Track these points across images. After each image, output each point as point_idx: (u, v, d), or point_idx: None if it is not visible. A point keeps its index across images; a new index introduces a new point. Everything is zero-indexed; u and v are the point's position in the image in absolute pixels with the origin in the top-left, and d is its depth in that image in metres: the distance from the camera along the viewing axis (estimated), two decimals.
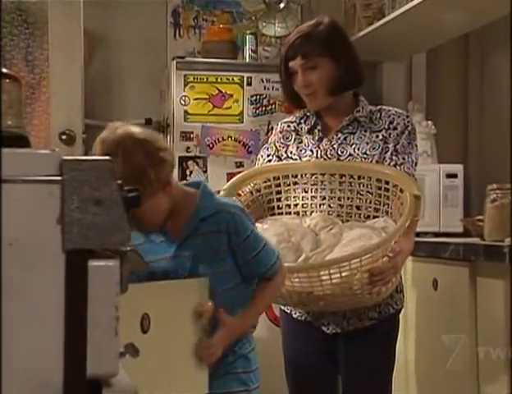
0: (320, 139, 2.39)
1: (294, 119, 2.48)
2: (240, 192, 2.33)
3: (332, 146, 2.36)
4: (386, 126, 2.36)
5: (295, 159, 2.40)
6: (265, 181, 2.36)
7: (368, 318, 2.31)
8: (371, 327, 2.32)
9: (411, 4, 3.42)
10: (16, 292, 0.89)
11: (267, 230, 2.21)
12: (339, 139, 2.37)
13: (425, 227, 3.55)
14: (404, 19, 3.56)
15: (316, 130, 2.40)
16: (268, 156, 2.47)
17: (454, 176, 3.75)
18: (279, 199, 2.36)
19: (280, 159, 2.43)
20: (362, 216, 2.26)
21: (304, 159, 2.38)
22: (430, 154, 3.88)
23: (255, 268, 1.98)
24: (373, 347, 2.34)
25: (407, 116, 2.40)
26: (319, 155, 2.36)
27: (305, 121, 2.44)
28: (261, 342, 3.84)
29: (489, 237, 2.83)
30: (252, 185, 2.35)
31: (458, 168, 3.78)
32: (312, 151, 2.38)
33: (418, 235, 3.42)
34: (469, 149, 4.29)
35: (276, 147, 2.46)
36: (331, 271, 1.98)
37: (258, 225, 2.26)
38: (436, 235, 3.62)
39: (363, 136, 2.36)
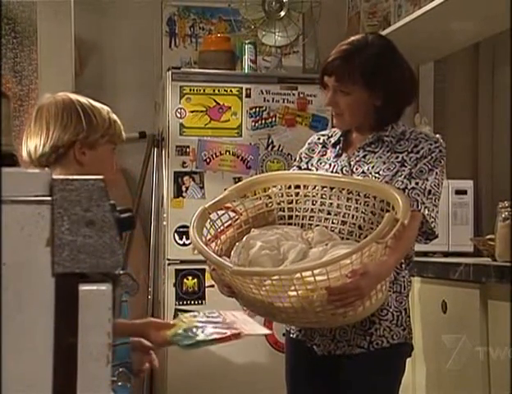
0: (340, 154, 2.42)
1: (328, 132, 2.53)
2: (233, 208, 2.36)
3: (349, 162, 2.38)
4: (410, 149, 2.33)
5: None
6: (280, 189, 2.39)
7: (357, 346, 2.29)
8: (361, 356, 2.29)
9: (418, 13, 3.44)
10: (3, 318, 0.89)
11: (258, 236, 2.26)
12: (358, 156, 2.38)
13: (433, 247, 3.54)
14: (410, 28, 3.57)
15: (338, 145, 2.43)
16: (293, 166, 2.55)
17: (464, 192, 3.75)
18: (290, 209, 2.39)
19: (299, 170, 2.48)
20: (362, 236, 2.25)
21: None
22: None
23: None
24: (364, 380, 2.31)
25: (436, 142, 2.34)
26: (335, 170, 2.39)
27: (335, 135, 2.48)
28: (261, 366, 3.85)
29: (500, 257, 2.84)
30: (260, 191, 2.39)
31: (467, 184, 3.79)
32: (330, 165, 2.42)
33: (425, 254, 3.44)
34: (479, 164, 4.30)
35: (300, 158, 2.52)
36: (284, 283, 1.99)
37: (254, 230, 2.31)
38: (445, 254, 3.62)
39: (383, 156, 2.35)
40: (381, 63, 2.34)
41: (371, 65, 2.31)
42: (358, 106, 2.33)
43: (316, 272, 1.98)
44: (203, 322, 2.01)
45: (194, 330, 1.95)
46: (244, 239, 2.28)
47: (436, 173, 2.31)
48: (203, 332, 1.93)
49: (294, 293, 1.99)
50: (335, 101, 2.34)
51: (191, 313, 2.11)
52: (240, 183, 2.44)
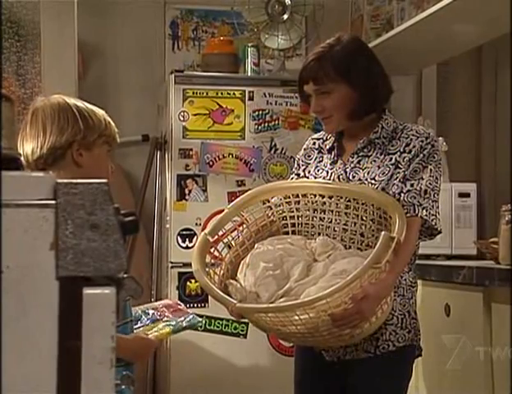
0: (335, 161, 2.40)
1: (322, 135, 2.50)
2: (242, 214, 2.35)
3: (345, 170, 2.36)
4: (402, 149, 2.31)
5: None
6: (280, 199, 2.38)
7: (363, 350, 2.29)
8: (367, 360, 2.29)
9: (421, 15, 3.44)
10: (6, 321, 0.89)
11: (261, 254, 2.24)
12: (353, 162, 2.37)
13: (436, 250, 3.55)
14: (413, 31, 3.57)
15: (333, 152, 2.42)
16: (292, 174, 2.54)
17: (467, 195, 3.75)
18: (292, 218, 2.37)
19: (299, 177, 2.48)
20: (364, 244, 2.26)
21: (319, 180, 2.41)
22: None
23: None
24: (370, 384, 2.31)
25: (427, 138, 2.32)
26: (332, 178, 2.37)
27: (329, 139, 2.46)
28: (264, 368, 3.85)
29: (504, 261, 2.83)
30: (260, 203, 2.37)
31: (471, 187, 3.79)
32: (327, 172, 2.40)
33: (428, 257, 3.44)
34: (483, 167, 4.29)
35: (298, 165, 2.51)
36: (287, 314, 2.00)
37: (257, 245, 2.29)
38: (448, 257, 3.62)
39: (377, 159, 2.33)
40: (355, 55, 2.35)
41: (345, 58, 2.32)
42: (343, 103, 2.31)
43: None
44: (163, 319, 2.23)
45: (178, 319, 2.22)
46: (248, 257, 2.26)
47: (431, 170, 2.30)
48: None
49: (299, 321, 2.00)
50: (320, 106, 2.33)
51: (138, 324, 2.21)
52: (238, 199, 2.39)
